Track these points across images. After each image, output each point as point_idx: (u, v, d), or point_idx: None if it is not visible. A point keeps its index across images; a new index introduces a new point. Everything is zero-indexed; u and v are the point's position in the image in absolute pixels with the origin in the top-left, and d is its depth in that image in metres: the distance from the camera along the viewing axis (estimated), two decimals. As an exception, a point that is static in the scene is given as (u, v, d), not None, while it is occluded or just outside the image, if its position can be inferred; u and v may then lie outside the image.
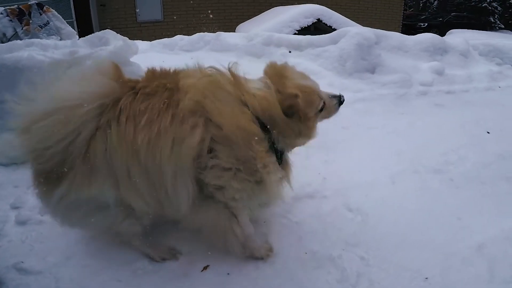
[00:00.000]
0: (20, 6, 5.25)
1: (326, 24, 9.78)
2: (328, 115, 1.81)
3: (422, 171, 2.68)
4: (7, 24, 5.09)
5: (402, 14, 17.32)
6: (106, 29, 4.12)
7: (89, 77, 1.50)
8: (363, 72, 4.69)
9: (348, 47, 4.82)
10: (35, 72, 2.06)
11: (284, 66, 1.73)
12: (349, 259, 1.82)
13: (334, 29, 7.65)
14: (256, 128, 1.50)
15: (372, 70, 4.77)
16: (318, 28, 9.63)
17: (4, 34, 4.99)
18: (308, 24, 9.65)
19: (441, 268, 1.78)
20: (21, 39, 4.46)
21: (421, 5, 29.65)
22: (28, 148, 1.46)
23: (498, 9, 25.18)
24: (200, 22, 12.21)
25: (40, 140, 1.38)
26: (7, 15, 5.12)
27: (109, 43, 3.65)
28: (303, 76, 1.75)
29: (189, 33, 6.08)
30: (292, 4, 11.12)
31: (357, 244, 1.92)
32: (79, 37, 4.75)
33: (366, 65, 4.74)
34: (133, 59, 3.64)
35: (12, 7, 5.30)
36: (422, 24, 20.09)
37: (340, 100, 1.82)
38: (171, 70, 1.61)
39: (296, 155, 1.85)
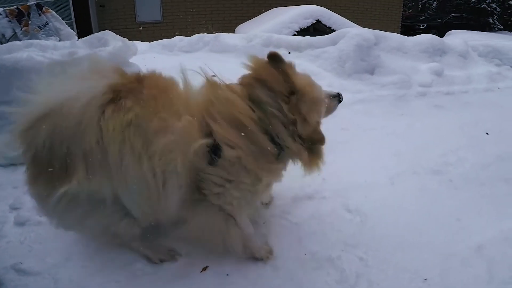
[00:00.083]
0: (19, 7, 5.23)
1: (325, 25, 9.81)
2: (327, 114, 1.81)
3: (421, 172, 2.68)
4: (6, 25, 5.06)
5: (401, 15, 17.38)
6: (105, 30, 4.12)
7: (88, 77, 1.49)
8: (362, 73, 4.68)
9: (347, 48, 4.81)
10: (34, 72, 2.05)
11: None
12: (348, 260, 1.82)
13: (334, 30, 7.68)
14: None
15: (371, 71, 4.76)
16: (317, 29, 9.66)
17: (3, 35, 4.97)
18: (308, 25, 9.69)
19: (440, 269, 1.78)
20: (20, 40, 4.44)
21: (420, 6, 29.75)
22: (27, 148, 1.45)
23: (497, 10, 25.28)
24: (199, 23, 12.24)
25: (39, 140, 1.38)
26: (6, 16, 5.10)
27: (108, 44, 3.65)
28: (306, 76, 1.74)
29: (188, 34, 6.09)
30: (291, 5, 11.15)
31: (356, 245, 1.92)
32: (78, 38, 4.73)
33: (366, 66, 4.74)
34: (132, 60, 3.65)
35: (11, 7, 5.27)
36: (421, 25, 20.17)
37: (339, 99, 1.83)
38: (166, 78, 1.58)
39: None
